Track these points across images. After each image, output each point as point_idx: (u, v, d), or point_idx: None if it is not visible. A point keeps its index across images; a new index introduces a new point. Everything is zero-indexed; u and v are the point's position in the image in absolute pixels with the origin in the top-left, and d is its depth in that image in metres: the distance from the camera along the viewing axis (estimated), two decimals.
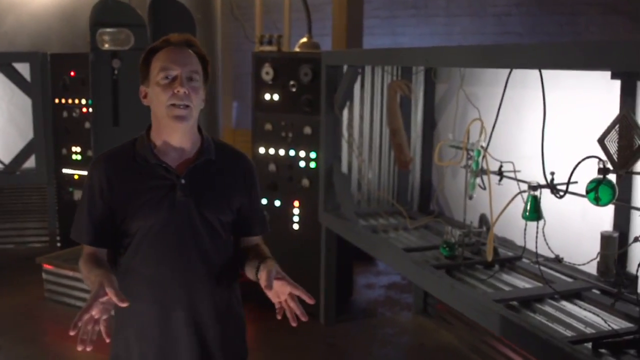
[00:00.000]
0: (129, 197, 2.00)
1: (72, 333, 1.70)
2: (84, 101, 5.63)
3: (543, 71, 2.69)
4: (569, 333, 2.61)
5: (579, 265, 2.87)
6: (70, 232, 2.11)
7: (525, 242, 2.86)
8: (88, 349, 1.73)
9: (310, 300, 1.87)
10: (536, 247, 2.72)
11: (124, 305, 1.76)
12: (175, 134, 2.01)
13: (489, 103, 3.54)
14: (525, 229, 2.78)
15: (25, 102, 5.69)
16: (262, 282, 1.90)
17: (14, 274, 5.63)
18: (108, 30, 5.00)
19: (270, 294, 1.94)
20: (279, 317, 1.93)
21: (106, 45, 4.98)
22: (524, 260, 3.35)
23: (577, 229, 3.15)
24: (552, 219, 3.13)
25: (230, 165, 2.14)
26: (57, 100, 5.75)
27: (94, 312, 1.75)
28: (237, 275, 2.21)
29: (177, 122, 1.96)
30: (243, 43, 7.14)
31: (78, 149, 5.77)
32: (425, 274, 3.26)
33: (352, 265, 5.26)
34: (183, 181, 2.01)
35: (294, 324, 1.90)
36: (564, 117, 3.15)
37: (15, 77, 5.62)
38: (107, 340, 1.81)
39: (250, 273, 2.08)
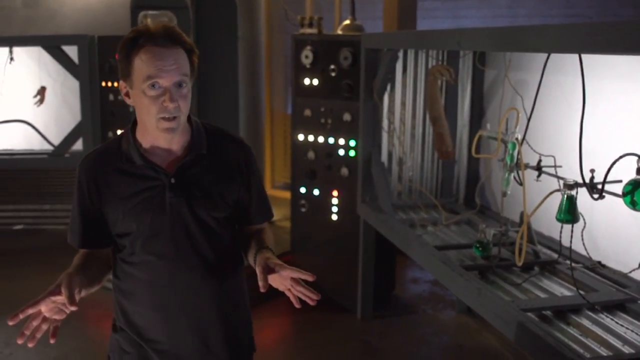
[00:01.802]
0: (118, 201, 1.90)
1: (10, 323, 1.64)
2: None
3: (597, 56, 2.40)
4: (603, 351, 2.33)
5: (627, 272, 2.57)
6: None
7: (570, 244, 2.56)
8: (30, 345, 1.65)
9: (310, 277, 1.79)
10: (570, 252, 2.45)
11: (72, 309, 1.64)
12: (163, 140, 1.90)
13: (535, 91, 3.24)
14: (572, 230, 2.49)
15: (77, 84, 5.71)
16: (259, 281, 1.80)
17: (60, 254, 5.66)
18: (151, 12, 4.94)
19: (275, 285, 1.86)
20: (297, 306, 1.85)
21: None
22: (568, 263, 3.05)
23: (625, 232, 2.83)
24: (598, 220, 2.84)
25: (223, 156, 2.00)
26: (103, 84, 5.73)
27: (43, 309, 1.66)
28: (240, 269, 2.12)
29: (167, 134, 1.85)
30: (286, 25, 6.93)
31: None
32: (453, 275, 3.01)
33: (395, 258, 5.02)
34: (173, 180, 1.90)
35: (298, 306, 1.84)
36: (615, 109, 2.83)
37: (63, 60, 5.62)
38: (51, 341, 1.69)
39: (251, 262, 2.00)
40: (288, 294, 1.84)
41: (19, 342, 1.65)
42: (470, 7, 7.28)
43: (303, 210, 4.85)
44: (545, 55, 2.63)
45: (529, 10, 6.76)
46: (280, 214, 5.95)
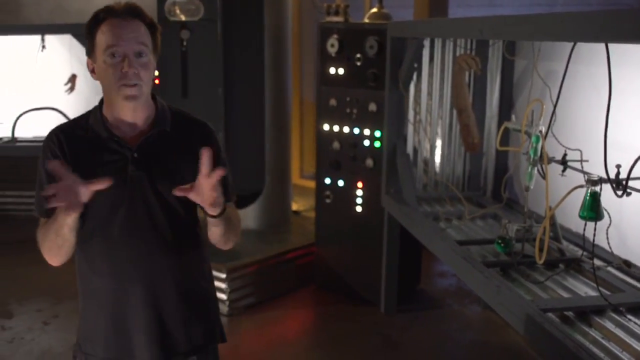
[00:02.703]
0: (82, 172, 1.89)
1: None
2: (156, 72, 5.57)
3: (630, 46, 2.27)
4: (625, 356, 2.22)
5: None
6: None
7: (593, 242, 2.45)
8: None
9: (207, 152, 1.75)
10: (592, 250, 2.34)
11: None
12: (127, 110, 1.94)
13: (566, 82, 3.11)
14: (594, 228, 2.38)
15: None
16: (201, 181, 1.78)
17: None
18: (179, 0, 4.90)
19: (199, 199, 1.82)
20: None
21: (178, 16, 4.88)
22: (596, 262, 2.93)
23: None
24: (627, 217, 2.72)
25: (186, 134, 2.05)
26: None
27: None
28: (202, 252, 2.14)
29: (129, 102, 1.91)
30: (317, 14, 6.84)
31: None
32: (473, 272, 2.92)
33: (421, 251, 4.93)
34: (135, 155, 1.95)
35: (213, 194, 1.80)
36: None
37: None
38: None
39: (210, 234, 2.02)
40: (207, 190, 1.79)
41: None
42: None
43: (327, 201, 4.79)
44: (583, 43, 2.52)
45: None
46: (307, 204, 5.90)
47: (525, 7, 7.17)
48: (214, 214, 1.87)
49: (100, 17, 1.88)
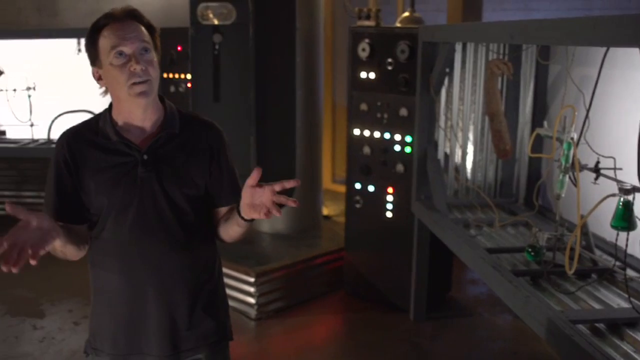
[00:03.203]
0: (92, 174, 1.97)
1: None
2: (189, 76, 5.62)
3: None
4: None
5: None
6: None
7: (625, 252, 2.38)
8: (14, 270, 1.59)
9: (295, 183, 1.79)
10: (624, 261, 2.27)
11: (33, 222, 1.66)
12: (137, 112, 1.97)
13: (601, 88, 3.03)
14: (627, 238, 2.31)
15: None
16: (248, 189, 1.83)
17: None
18: (211, 4, 4.93)
19: (253, 201, 1.84)
20: (278, 214, 1.80)
21: (211, 20, 4.91)
22: (629, 272, 2.85)
23: None
24: None
25: (194, 136, 2.06)
26: (165, 75, 5.79)
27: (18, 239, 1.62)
28: (212, 252, 2.15)
29: (141, 98, 1.91)
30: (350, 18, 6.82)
31: None
32: (502, 280, 2.86)
33: (452, 258, 4.87)
34: (145, 157, 1.96)
35: (278, 214, 1.80)
36: None
37: None
38: (32, 263, 1.62)
39: (226, 230, 2.07)
40: (269, 205, 1.80)
41: (4, 269, 1.59)
42: None
43: (357, 206, 4.76)
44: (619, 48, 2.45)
45: (604, 2, 6.42)
46: (338, 209, 5.88)
47: (562, 12, 7.07)
48: (250, 218, 1.90)
49: (100, 24, 1.91)
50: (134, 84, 1.87)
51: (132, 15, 1.93)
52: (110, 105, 2.01)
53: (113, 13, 1.92)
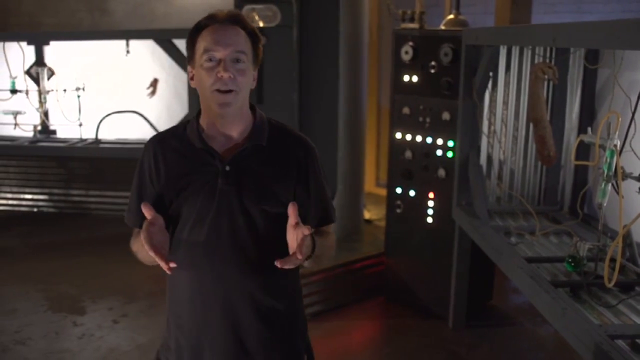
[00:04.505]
0: (174, 182, 1.91)
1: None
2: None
3: None
4: None
5: None
6: None
7: None
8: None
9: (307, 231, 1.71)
10: None
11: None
12: (221, 119, 1.89)
13: None
14: None
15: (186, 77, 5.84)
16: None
17: None
18: (257, 6, 4.95)
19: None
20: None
21: (256, 22, 4.93)
22: None
23: None
24: None
25: (282, 151, 1.95)
26: None
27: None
28: (288, 271, 1.92)
29: (222, 109, 1.85)
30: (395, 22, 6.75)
31: None
32: (539, 291, 2.77)
33: (494, 266, 4.76)
34: (227, 168, 1.87)
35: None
36: None
37: (174, 53, 5.78)
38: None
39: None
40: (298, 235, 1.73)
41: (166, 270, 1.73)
42: (596, 2, 6.79)
43: (398, 211, 4.70)
44: None
45: None
46: (381, 213, 5.83)
47: (616, 14, 6.85)
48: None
49: (202, 25, 1.86)
50: (218, 91, 1.81)
51: (234, 20, 1.86)
52: (199, 111, 1.95)
53: (216, 15, 1.86)
